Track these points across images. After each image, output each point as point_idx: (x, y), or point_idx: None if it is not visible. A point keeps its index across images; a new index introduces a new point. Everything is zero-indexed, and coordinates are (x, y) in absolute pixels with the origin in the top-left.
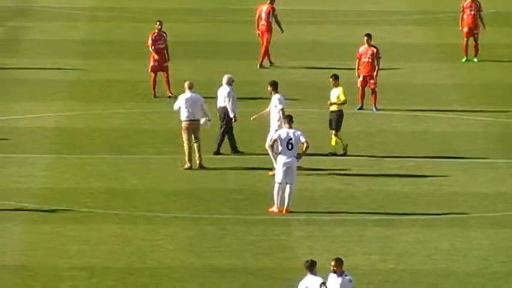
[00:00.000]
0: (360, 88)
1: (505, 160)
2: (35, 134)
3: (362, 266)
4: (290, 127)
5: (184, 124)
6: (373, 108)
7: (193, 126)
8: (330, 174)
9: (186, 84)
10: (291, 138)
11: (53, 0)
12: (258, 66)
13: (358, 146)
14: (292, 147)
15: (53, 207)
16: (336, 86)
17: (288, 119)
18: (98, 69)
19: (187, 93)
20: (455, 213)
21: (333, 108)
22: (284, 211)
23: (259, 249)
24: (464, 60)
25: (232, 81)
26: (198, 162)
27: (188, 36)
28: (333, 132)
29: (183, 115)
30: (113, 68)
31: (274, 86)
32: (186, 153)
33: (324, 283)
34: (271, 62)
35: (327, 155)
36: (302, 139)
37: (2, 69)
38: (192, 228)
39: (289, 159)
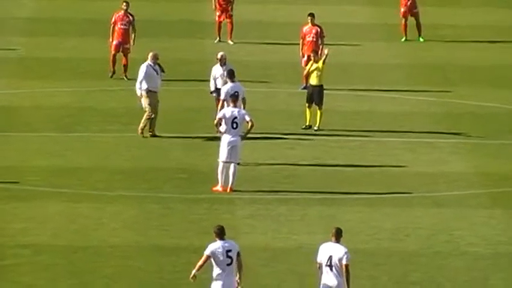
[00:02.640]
0: (305, 68)
1: (448, 140)
2: None
3: (306, 245)
4: (235, 106)
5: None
6: None
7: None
8: (274, 153)
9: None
10: (235, 117)
11: None
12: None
13: (302, 125)
14: (237, 126)
15: None
16: (317, 61)
17: (233, 98)
18: (43, 47)
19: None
20: (399, 192)
21: (314, 82)
22: (228, 190)
23: (203, 228)
24: (403, 39)
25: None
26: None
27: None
28: (308, 105)
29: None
30: (57, 46)
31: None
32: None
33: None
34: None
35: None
36: (247, 118)
37: None
38: (136, 206)
39: (234, 138)
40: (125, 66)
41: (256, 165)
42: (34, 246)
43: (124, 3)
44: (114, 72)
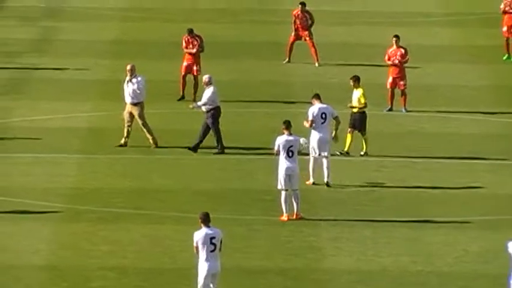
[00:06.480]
0: (389, 89)
1: None
2: (65, 133)
3: (391, 267)
4: (290, 133)
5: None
6: (403, 109)
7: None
8: (359, 175)
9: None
10: (291, 146)
11: (83, 1)
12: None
13: (388, 148)
14: (292, 155)
15: (82, 207)
16: (357, 87)
17: (286, 125)
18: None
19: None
20: (484, 214)
21: (355, 109)
22: (295, 216)
23: (288, 250)
24: (505, 57)
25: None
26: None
27: (216, 36)
28: (351, 131)
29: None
30: (142, 68)
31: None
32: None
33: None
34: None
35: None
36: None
37: (33, 69)
38: (221, 228)
39: (291, 166)
40: (195, 88)
41: (342, 187)
42: (120, 268)
43: (187, 30)
44: (183, 96)
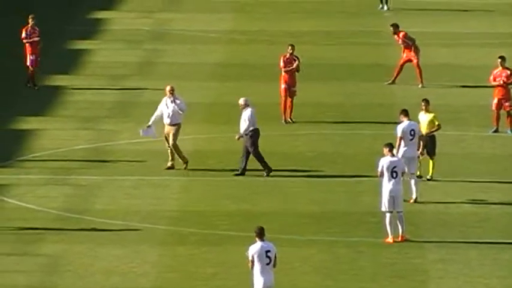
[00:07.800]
0: (495, 111)
1: None
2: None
3: None
4: (393, 155)
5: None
6: (508, 130)
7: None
8: (464, 197)
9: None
10: (395, 167)
11: (188, 24)
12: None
13: (493, 169)
14: (396, 176)
15: (187, 230)
16: (427, 111)
17: (390, 147)
18: (234, 92)
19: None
20: None
21: (424, 132)
22: (400, 239)
23: (394, 272)
24: None
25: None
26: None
27: (321, 58)
28: (428, 156)
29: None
30: (248, 91)
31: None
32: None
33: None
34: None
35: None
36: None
37: (138, 90)
38: (326, 250)
39: (395, 188)
40: (291, 108)
41: (446, 208)
42: None
43: (289, 47)
44: (286, 119)
